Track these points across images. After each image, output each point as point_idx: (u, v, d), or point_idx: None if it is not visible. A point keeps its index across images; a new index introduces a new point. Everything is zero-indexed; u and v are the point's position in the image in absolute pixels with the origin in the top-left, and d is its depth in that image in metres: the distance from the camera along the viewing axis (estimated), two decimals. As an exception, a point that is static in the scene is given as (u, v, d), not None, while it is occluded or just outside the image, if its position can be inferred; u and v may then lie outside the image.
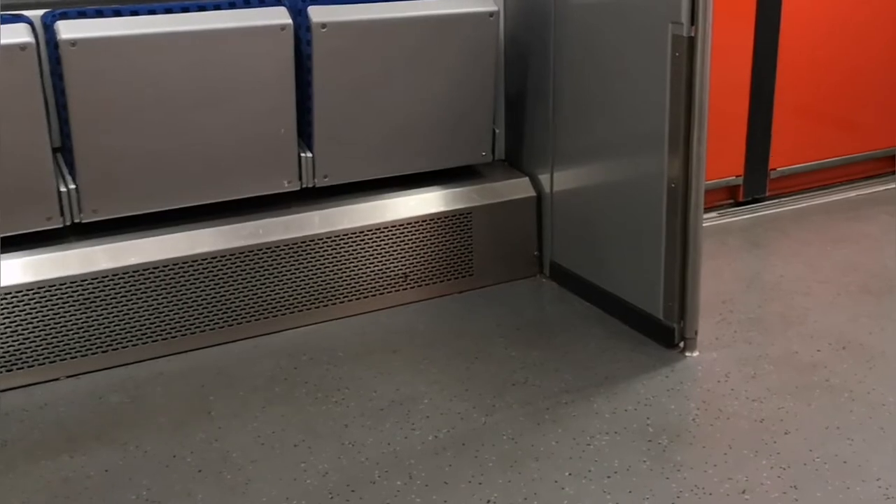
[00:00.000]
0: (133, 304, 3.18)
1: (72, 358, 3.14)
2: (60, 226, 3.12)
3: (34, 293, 3.05)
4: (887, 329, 3.40)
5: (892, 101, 4.83)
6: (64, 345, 3.12)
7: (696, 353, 3.24)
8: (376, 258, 3.55)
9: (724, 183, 4.52)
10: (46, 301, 3.07)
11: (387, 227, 3.55)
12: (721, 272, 3.90)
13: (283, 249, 3.38)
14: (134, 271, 3.17)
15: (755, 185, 4.60)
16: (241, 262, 3.32)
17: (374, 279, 3.56)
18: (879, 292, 3.69)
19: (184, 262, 3.23)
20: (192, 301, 3.27)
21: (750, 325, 3.45)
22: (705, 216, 3.28)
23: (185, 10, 3.17)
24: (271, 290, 3.39)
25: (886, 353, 3.23)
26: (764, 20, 4.34)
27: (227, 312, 3.33)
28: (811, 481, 2.57)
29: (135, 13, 3.09)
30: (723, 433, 2.80)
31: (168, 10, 3.15)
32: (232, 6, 3.23)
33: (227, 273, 3.31)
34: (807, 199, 4.69)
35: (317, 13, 3.25)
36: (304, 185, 3.45)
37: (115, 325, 3.17)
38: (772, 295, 3.72)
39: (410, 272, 3.63)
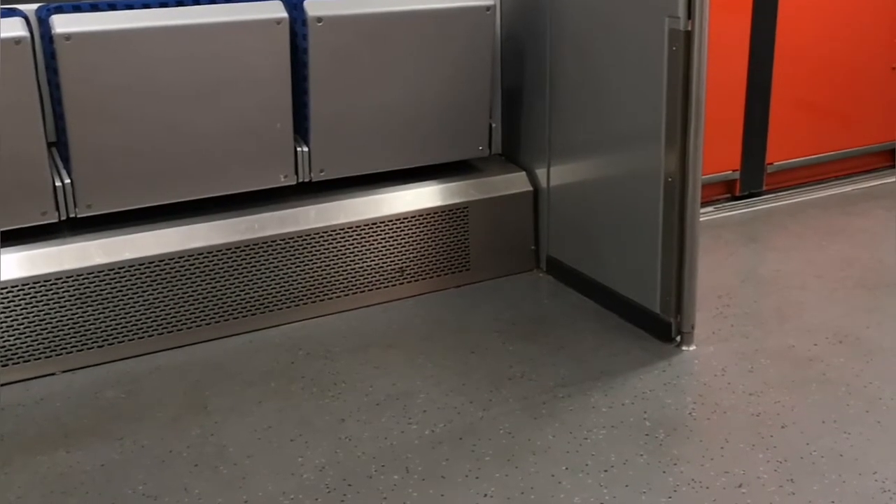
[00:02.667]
0: (129, 298, 3.18)
1: (67, 353, 3.13)
2: (55, 221, 3.11)
3: (29, 288, 3.05)
4: (883, 323, 3.40)
5: (889, 95, 4.84)
6: (60, 340, 3.12)
7: (692, 348, 3.24)
8: (373, 253, 3.55)
9: (721, 177, 4.52)
10: (42, 296, 3.07)
11: (383, 222, 3.54)
12: (718, 267, 3.90)
13: (280, 244, 3.38)
14: (129, 266, 3.16)
15: (752, 179, 4.60)
16: (237, 256, 3.31)
17: (370, 274, 3.56)
18: (875, 286, 3.69)
19: (179, 257, 3.23)
20: (188, 296, 3.26)
21: (746, 319, 3.45)
22: (702, 210, 3.28)
23: (181, 3, 3.17)
24: (268, 285, 3.38)
25: (883, 347, 3.23)
26: (760, 14, 4.34)
27: (223, 307, 3.33)
28: (808, 475, 2.57)
29: (129, 7, 3.09)
30: (720, 427, 2.80)
31: (163, 4, 3.15)
32: (227, 0, 3.22)
33: (223, 268, 3.30)
34: (803, 194, 4.69)
35: (313, 7, 3.24)
36: (300, 180, 3.44)
37: (110, 320, 3.17)
38: (768, 289, 3.73)
39: (407, 267, 3.62)
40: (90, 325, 3.14)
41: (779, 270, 3.89)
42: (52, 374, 3.12)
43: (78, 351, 3.15)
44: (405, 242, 3.60)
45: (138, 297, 3.19)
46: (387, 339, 3.35)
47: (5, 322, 3.04)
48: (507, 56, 3.85)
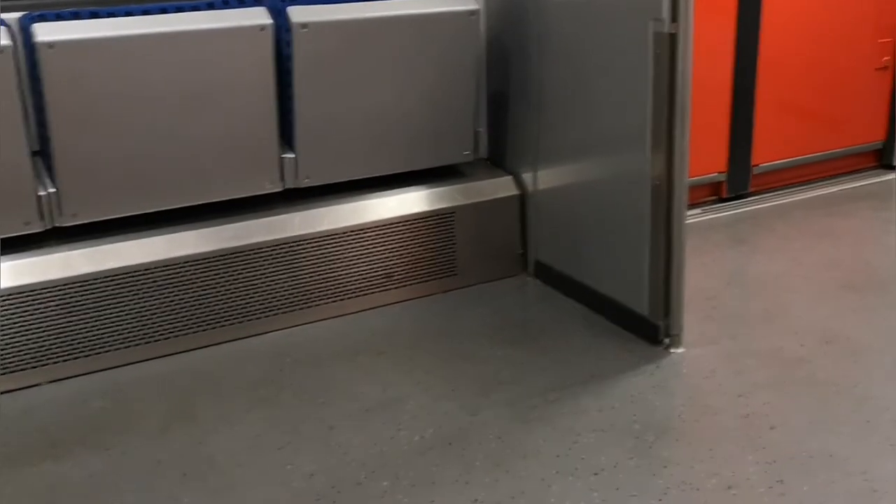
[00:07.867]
0: (115, 307, 3.16)
1: (54, 363, 3.11)
2: (40, 230, 3.09)
3: (14, 298, 3.03)
4: (871, 323, 3.41)
5: (873, 96, 4.86)
6: (46, 349, 3.09)
7: (681, 350, 3.24)
8: (360, 259, 3.54)
9: (708, 180, 4.53)
10: (27, 306, 3.04)
11: (370, 228, 3.53)
12: (705, 269, 3.90)
13: (266, 251, 3.36)
14: (115, 275, 3.14)
15: (738, 181, 4.61)
16: (223, 264, 3.30)
17: (357, 280, 3.55)
18: (862, 287, 3.70)
19: (165, 266, 3.21)
20: (175, 304, 3.25)
21: (734, 320, 3.46)
22: (689, 213, 3.29)
23: (164, 11, 3.15)
24: (254, 293, 3.37)
25: (871, 347, 3.24)
26: (745, 16, 4.35)
27: (210, 315, 3.31)
28: (798, 475, 2.57)
29: (112, 15, 3.07)
30: (709, 429, 2.80)
31: (146, 12, 3.13)
32: (211, 7, 3.21)
33: (209, 276, 3.28)
34: (789, 195, 4.70)
35: (297, 13, 3.23)
36: (286, 187, 3.43)
37: (97, 330, 3.15)
38: (756, 291, 3.73)
39: (394, 272, 3.62)
40: (76, 334, 3.12)
41: (766, 272, 3.90)
42: (38, 385, 3.09)
43: (64, 361, 3.12)
44: (392, 248, 3.59)
45: (124, 306, 3.17)
46: (375, 345, 3.34)
47: (-10, 333, 3.02)
48: (493, 60, 3.84)
